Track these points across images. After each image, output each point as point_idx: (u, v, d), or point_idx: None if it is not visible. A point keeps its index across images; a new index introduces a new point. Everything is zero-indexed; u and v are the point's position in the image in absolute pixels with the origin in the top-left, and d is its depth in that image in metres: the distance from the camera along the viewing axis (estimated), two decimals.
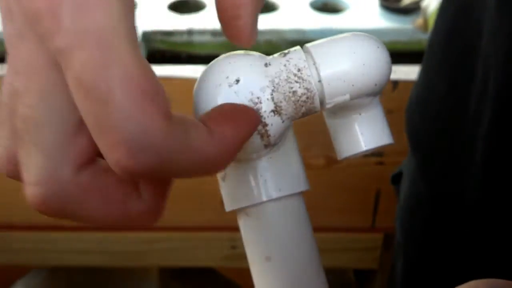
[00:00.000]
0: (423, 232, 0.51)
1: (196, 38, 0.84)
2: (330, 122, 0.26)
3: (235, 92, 0.22)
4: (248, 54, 0.23)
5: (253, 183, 0.25)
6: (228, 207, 0.26)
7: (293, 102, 0.23)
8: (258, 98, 0.22)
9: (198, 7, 0.90)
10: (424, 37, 0.84)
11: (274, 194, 0.25)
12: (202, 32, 0.84)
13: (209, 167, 0.20)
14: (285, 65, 0.23)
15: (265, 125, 0.23)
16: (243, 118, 0.21)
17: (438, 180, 0.48)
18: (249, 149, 0.23)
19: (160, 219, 0.21)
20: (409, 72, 0.72)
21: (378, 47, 0.24)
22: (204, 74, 0.24)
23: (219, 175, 0.26)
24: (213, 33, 0.84)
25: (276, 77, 0.23)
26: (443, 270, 0.49)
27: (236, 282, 0.95)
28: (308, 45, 0.24)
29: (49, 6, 0.17)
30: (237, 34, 0.21)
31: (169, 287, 1.06)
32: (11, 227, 0.87)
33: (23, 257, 0.90)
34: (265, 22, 0.87)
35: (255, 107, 0.22)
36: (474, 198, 0.43)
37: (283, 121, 0.23)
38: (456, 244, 0.47)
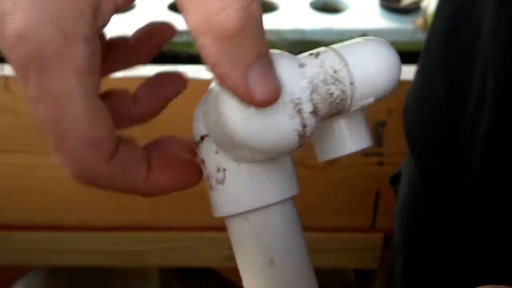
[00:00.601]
0: (421, 232, 0.51)
1: None
2: None
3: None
4: (283, 54, 0.23)
5: (258, 186, 0.24)
6: (223, 212, 0.25)
7: (329, 103, 0.23)
8: (299, 99, 0.22)
9: None
10: (424, 37, 0.84)
11: (279, 197, 0.25)
12: None
13: (143, 196, 0.25)
14: (321, 66, 0.23)
15: (305, 126, 0.22)
16: (184, 173, 0.25)
17: (436, 180, 0.48)
18: (284, 149, 0.23)
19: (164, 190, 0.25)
20: (409, 72, 0.72)
21: (395, 53, 0.25)
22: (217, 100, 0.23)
23: (212, 178, 0.25)
24: None
25: (314, 78, 0.23)
26: (442, 270, 0.49)
27: (236, 282, 0.95)
28: (335, 47, 0.24)
29: (21, 67, 0.21)
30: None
31: (169, 287, 1.06)
32: (11, 227, 0.87)
33: (23, 257, 0.90)
34: (265, 22, 0.87)
35: (297, 108, 0.22)
36: (473, 198, 0.43)
37: (317, 122, 0.23)
38: (454, 244, 0.47)
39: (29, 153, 0.79)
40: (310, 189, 0.81)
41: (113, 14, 0.22)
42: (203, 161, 0.24)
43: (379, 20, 0.88)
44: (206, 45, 0.19)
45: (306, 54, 0.24)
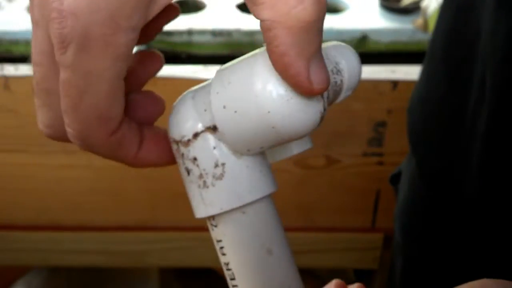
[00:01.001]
0: (421, 231, 0.51)
1: (196, 38, 0.84)
2: None
3: None
4: None
5: (256, 178, 0.25)
6: (223, 207, 0.25)
7: (333, 91, 0.25)
8: None
9: (198, 7, 0.90)
10: (424, 37, 0.84)
11: (272, 188, 0.25)
12: (202, 32, 0.84)
13: (130, 166, 0.27)
14: (327, 58, 0.24)
15: (325, 109, 0.24)
16: (171, 151, 0.26)
17: (437, 179, 0.48)
18: (308, 130, 0.23)
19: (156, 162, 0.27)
20: (409, 72, 0.73)
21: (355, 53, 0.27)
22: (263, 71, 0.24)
23: (208, 175, 0.25)
24: (213, 33, 0.84)
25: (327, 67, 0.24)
26: (442, 269, 0.49)
27: None
28: (326, 44, 0.26)
29: (62, 39, 0.22)
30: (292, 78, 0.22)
31: (169, 287, 1.06)
32: (11, 227, 0.87)
33: (23, 257, 0.90)
34: None
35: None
36: (472, 198, 0.43)
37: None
38: (454, 243, 0.47)
39: (29, 153, 0.79)
40: (310, 189, 0.81)
41: (164, 6, 0.23)
42: (194, 159, 0.24)
43: (379, 20, 0.88)
44: (279, 35, 0.20)
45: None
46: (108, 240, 0.88)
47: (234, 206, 0.25)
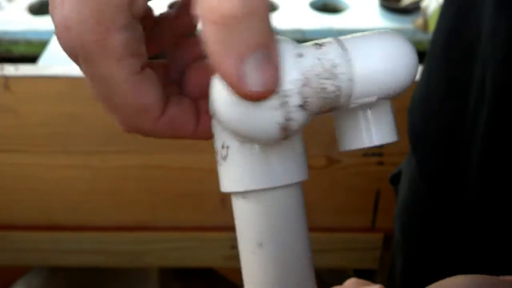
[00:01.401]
0: (422, 231, 0.51)
1: None
2: (336, 113, 0.26)
3: None
4: (284, 41, 0.22)
5: (257, 168, 0.24)
6: (225, 188, 0.25)
7: (322, 98, 0.22)
8: (286, 90, 0.21)
9: None
10: (424, 37, 0.84)
11: (278, 182, 0.24)
12: None
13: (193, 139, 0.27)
14: (319, 59, 0.22)
15: (289, 119, 0.21)
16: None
17: (437, 179, 0.48)
18: (265, 139, 0.22)
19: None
20: None
21: (411, 51, 0.23)
22: (213, 83, 0.23)
23: (218, 153, 0.25)
24: None
25: (308, 71, 0.22)
26: (443, 268, 0.49)
27: (235, 282, 0.95)
28: (342, 38, 0.23)
29: (69, 54, 0.23)
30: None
31: (169, 287, 1.06)
32: (11, 227, 0.87)
33: (23, 257, 0.90)
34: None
35: (282, 100, 0.21)
36: (472, 198, 0.43)
37: (307, 117, 0.22)
38: (455, 243, 0.48)
39: (29, 153, 0.79)
40: (310, 189, 0.81)
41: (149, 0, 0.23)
42: (213, 135, 0.25)
43: (379, 20, 0.88)
44: (205, 32, 0.19)
45: (311, 43, 0.23)
46: (108, 240, 0.88)
47: (234, 190, 0.25)
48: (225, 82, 0.19)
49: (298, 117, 0.22)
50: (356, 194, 0.82)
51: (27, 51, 0.85)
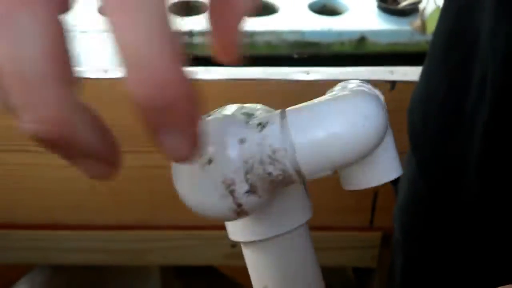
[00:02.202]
0: (422, 230, 0.51)
1: (197, 40, 0.84)
2: None
3: (208, 172, 0.21)
4: (229, 123, 0.22)
5: (257, 221, 0.24)
6: (231, 236, 0.25)
7: (269, 181, 0.21)
8: (231, 179, 0.21)
9: (199, 9, 0.90)
10: (422, 38, 0.85)
11: (280, 230, 0.24)
12: (203, 34, 0.84)
13: None
14: (259, 144, 0.21)
15: (240, 205, 0.21)
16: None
17: (436, 178, 0.48)
18: (225, 221, 0.23)
19: None
20: (407, 73, 0.73)
21: (366, 117, 0.21)
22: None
23: None
24: None
25: (250, 158, 0.21)
26: (442, 268, 0.49)
27: (237, 280, 0.95)
28: (289, 113, 0.22)
29: None
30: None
31: (170, 285, 1.06)
32: (13, 226, 0.87)
33: (26, 256, 0.91)
34: (265, 23, 0.88)
35: (229, 189, 0.21)
36: (472, 198, 0.43)
37: (260, 197, 0.22)
38: (455, 243, 0.48)
39: (31, 153, 0.79)
40: (309, 189, 0.81)
41: None
42: None
43: (378, 21, 0.89)
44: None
45: (256, 122, 0.22)
46: (109, 239, 0.88)
47: (239, 240, 0.25)
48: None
49: (249, 200, 0.22)
50: (354, 193, 0.83)
51: None
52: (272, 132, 0.21)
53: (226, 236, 0.89)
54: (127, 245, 0.89)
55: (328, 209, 0.84)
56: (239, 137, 0.21)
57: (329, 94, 0.23)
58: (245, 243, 0.25)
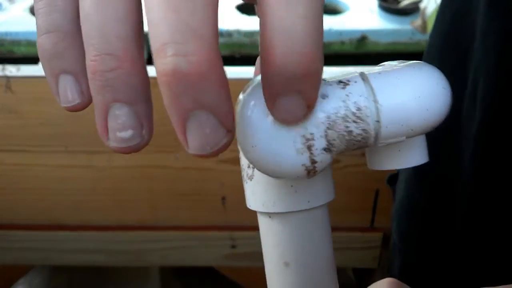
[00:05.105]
0: (418, 232, 0.51)
1: None
2: None
3: (287, 128, 0.20)
4: None
5: (282, 192, 0.24)
6: (250, 206, 0.25)
7: (346, 141, 0.21)
8: (311, 134, 0.20)
9: None
10: (423, 38, 0.85)
11: (301, 206, 0.24)
12: None
13: None
14: (344, 101, 0.21)
15: (314, 162, 0.21)
16: None
17: (431, 181, 0.48)
18: (291, 179, 0.22)
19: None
20: None
21: (443, 88, 0.22)
22: (249, 98, 0.21)
23: (244, 171, 0.24)
24: None
25: (332, 114, 0.21)
26: (439, 269, 0.49)
27: (236, 281, 0.95)
28: (368, 74, 0.22)
29: None
30: None
31: (170, 286, 1.07)
32: (13, 226, 0.87)
33: (25, 256, 0.91)
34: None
35: (307, 144, 0.20)
36: (466, 198, 0.44)
37: (332, 157, 0.21)
38: (450, 244, 0.48)
39: (31, 153, 0.79)
40: None
41: None
42: (239, 152, 0.24)
43: (378, 21, 0.88)
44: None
45: (335, 80, 0.22)
46: (109, 239, 0.88)
47: (258, 209, 0.24)
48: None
49: (324, 159, 0.21)
50: (355, 193, 0.83)
51: (29, 52, 0.86)
52: (357, 90, 0.21)
53: (226, 237, 0.89)
54: (126, 246, 0.88)
55: (328, 209, 0.84)
56: (320, 92, 0.21)
57: (395, 63, 0.23)
58: (274, 214, 0.24)
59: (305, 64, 0.18)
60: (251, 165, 0.24)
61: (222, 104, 0.18)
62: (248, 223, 0.81)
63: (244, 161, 0.24)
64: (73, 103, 0.21)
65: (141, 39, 0.19)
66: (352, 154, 0.78)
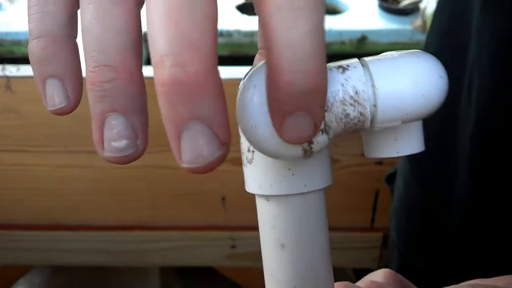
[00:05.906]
0: (416, 231, 0.51)
1: None
2: None
3: None
4: None
5: (279, 175, 0.24)
6: (249, 189, 0.25)
7: (343, 123, 0.22)
8: None
9: None
10: (423, 38, 0.85)
11: (298, 190, 0.24)
12: None
13: None
14: (342, 85, 0.22)
15: (311, 142, 0.22)
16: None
17: (430, 181, 0.48)
18: (288, 159, 0.23)
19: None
20: None
21: (440, 77, 0.23)
22: (250, 80, 0.21)
23: (244, 155, 0.25)
24: None
25: (331, 97, 0.22)
26: (437, 268, 0.50)
27: (236, 281, 0.95)
28: (367, 60, 0.23)
29: None
30: None
31: (170, 286, 1.07)
32: (12, 226, 0.87)
33: (25, 256, 0.91)
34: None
35: None
36: (464, 198, 0.44)
37: (329, 139, 0.22)
38: (448, 243, 0.48)
39: (31, 153, 0.79)
40: None
41: None
42: (240, 136, 0.24)
43: (378, 21, 0.88)
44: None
45: (335, 65, 0.23)
46: (109, 239, 0.88)
47: (256, 192, 0.25)
48: None
49: (320, 140, 0.22)
50: (355, 193, 0.83)
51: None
52: (355, 75, 0.22)
53: (226, 237, 0.89)
54: (126, 245, 0.89)
55: (328, 209, 0.84)
56: None
57: (395, 51, 0.23)
58: (272, 196, 0.25)
59: (314, 80, 0.18)
60: (251, 149, 0.24)
61: (218, 115, 0.18)
62: (248, 223, 0.81)
63: (244, 145, 0.25)
64: (59, 107, 0.21)
65: (140, 49, 0.20)
66: (352, 154, 0.78)
